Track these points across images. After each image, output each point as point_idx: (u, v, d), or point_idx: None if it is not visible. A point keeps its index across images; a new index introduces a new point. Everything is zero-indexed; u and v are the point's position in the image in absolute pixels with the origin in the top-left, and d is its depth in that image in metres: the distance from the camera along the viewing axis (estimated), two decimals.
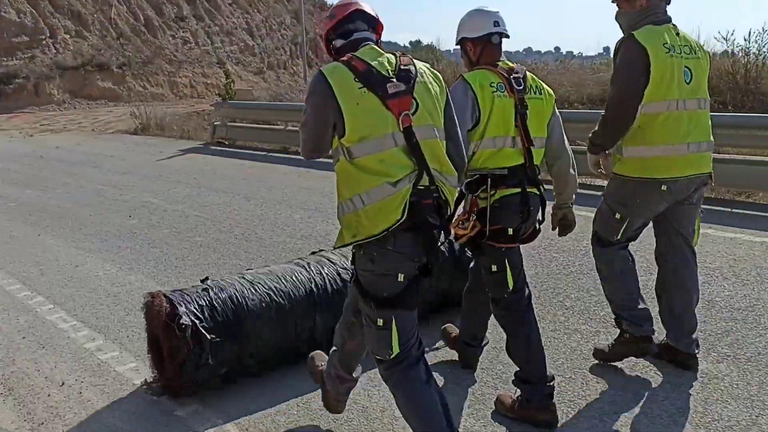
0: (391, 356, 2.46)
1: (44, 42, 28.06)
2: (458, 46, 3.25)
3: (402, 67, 2.41)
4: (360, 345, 2.73)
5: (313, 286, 3.69)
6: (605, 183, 3.58)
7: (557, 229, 3.36)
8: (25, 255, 6.22)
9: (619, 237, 3.35)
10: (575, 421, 3.08)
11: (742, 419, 3.02)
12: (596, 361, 3.57)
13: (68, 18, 29.60)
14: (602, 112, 3.30)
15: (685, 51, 3.19)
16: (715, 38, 17.00)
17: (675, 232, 3.38)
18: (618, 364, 3.52)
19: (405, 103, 2.35)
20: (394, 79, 2.37)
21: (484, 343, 3.53)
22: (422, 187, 2.35)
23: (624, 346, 3.42)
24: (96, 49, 28.83)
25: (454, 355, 3.67)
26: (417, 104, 2.37)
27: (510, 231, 2.97)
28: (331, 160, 2.53)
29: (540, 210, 3.13)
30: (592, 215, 3.54)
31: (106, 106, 26.39)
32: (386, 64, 2.40)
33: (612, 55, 3.31)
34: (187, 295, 3.45)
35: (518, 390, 3.09)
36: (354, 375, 2.89)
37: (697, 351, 3.44)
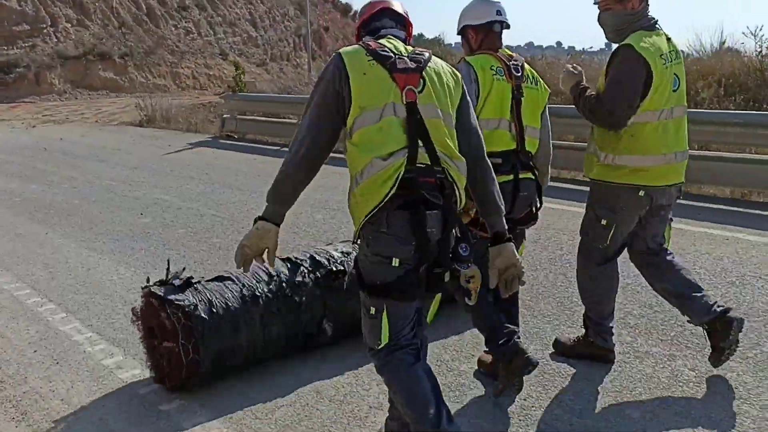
0: (380, 347, 2.42)
1: (45, 31, 27.70)
2: (459, 36, 3.34)
3: (416, 51, 2.46)
4: None
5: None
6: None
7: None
8: (33, 256, 5.85)
9: (608, 243, 3.32)
10: None
11: None
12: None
13: (69, 6, 29.19)
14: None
15: (674, 57, 3.17)
16: (743, 33, 16.54)
17: (647, 238, 3.38)
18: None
19: (412, 79, 2.35)
20: (405, 58, 2.39)
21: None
22: (422, 165, 2.30)
23: (586, 348, 3.51)
24: (97, 38, 28.47)
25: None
26: (424, 83, 2.37)
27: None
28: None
29: (536, 194, 3.22)
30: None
31: (108, 96, 26.03)
32: (401, 48, 2.44)
33: (609, 58, 3.19)
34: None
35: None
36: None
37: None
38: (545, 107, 3.29)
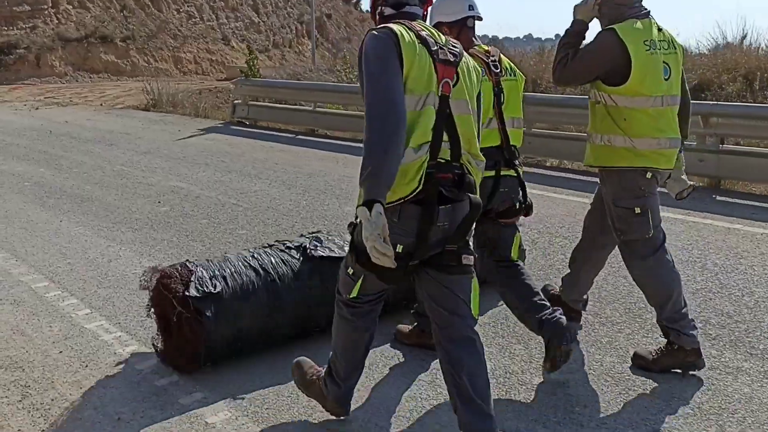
0: (348, 298, 2.58)
1: (46, 12, 27.28)
2: None
3: (452, 43, 2.45)
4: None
5: None
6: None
7: None
8: (49, 245, 5.50)
9: (651, 230, 3.23)
10: None
11: None
12: None
13: None
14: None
15: (664, 47, 3.21)
16: None
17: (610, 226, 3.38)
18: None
19: (449, 72, 2.35)
20: (446, 49, 2.38)
21: None
22: (442, 160, 2.30)
23: (672, 358, 3.23)
24: (99, 20, 28.06)
25: None
26: (458, 78, 2.37)
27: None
28: None
29: (520, 191, 3.29)
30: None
31: (110, 80, 25.59)
32: (438, 36, 2.41)
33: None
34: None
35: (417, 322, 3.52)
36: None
37: (583, 309, 3.80)
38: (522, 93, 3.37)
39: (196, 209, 6.62)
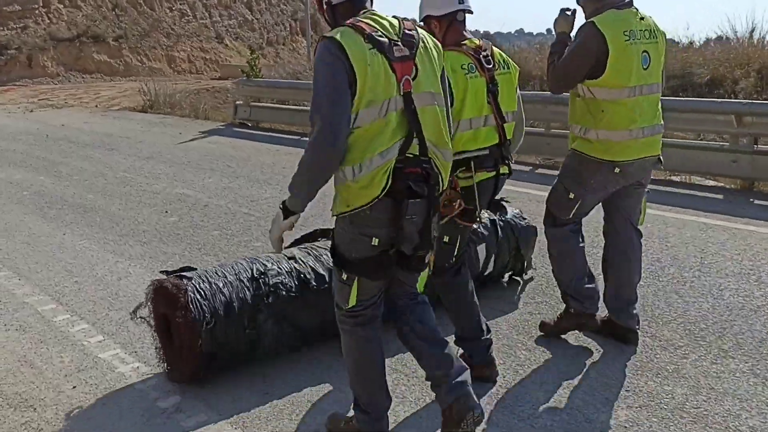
0: (347, 307, 2.53)
1: (37, 11, 26.82)
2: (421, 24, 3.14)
3: (406, 31, 2.37)
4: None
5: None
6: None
7: None
8: (53, 261, 5.17)
9: (571, 216, 3.45)
10: None
11: None
12: None
13: None
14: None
15: (645, 36, 3.24)
16: None
17: (621, 217, 3.51)
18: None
19: (407, 68, 2.31)
20: (400, 43, 2.32)
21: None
22: (410, 155, 2.32)
23: (568, 320, 3.58)
24: (91, 20, 27.64)
25: None
26: (417, 70, 2.34)
27: (477, 213, 3.02)
28: None
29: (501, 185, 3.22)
30: None
31: (103, 80, 25.20)
32: (390, 28, 2.34)
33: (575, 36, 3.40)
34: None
35: (461, 349, 3.24)
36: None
37: (637, 327, 3.57)
38: (517, 85, 3.25)
39: (206, 219, 6.30)
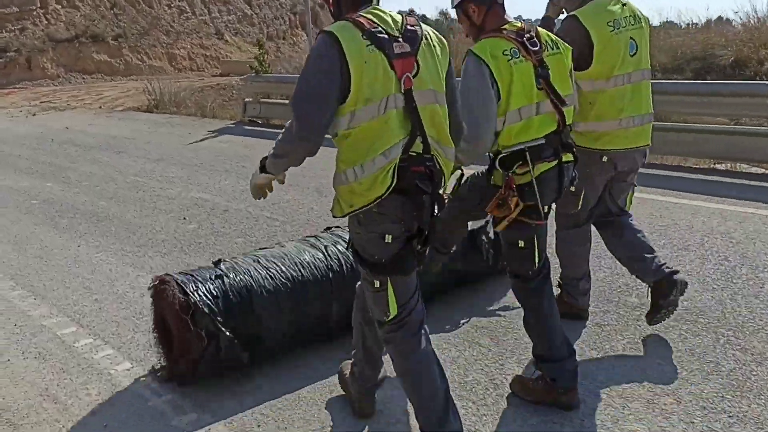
0: (389, 318, 2.46)
1: (35, 13, 26.57)
2: (455, 11, 2.92)
3: (408, 27, 2.33)
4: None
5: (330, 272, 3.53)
6: None
7: None
8: (70, 278, 4.81)
9: (577, 209, 3.43)
10: None
11: None
12: None
13: None
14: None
15: (630, 22, 3.25)
16: None
17: (606, 207, 3.51)
18: None
19: (408, 65, 2.28)
20: (401, 39, 2.29)
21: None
22: (414, 154, 2.30)
23: (559, 305, 3.34)
24: (89, 19, 27.38)
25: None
26: (418, 67, 2.30)
27: (545, 208, 2.81)
28: None
29: (574, 174, 2.95)
30: None
31: (103, 80, 24.88)
32: (392, 24, 2.31)
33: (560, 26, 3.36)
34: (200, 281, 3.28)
35: (538, 371, 2.97)
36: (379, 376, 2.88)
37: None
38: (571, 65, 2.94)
39: (227, 226, 5.94)
